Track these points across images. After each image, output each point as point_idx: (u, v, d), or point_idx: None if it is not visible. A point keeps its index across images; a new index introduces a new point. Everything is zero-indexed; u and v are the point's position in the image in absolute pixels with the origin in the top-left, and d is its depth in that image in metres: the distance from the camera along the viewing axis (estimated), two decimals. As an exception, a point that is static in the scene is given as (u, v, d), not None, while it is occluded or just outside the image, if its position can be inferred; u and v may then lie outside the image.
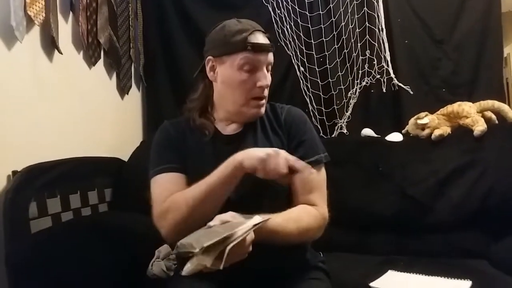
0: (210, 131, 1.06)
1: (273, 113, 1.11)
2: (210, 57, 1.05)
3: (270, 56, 1.03)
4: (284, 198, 1.03)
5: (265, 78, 1.02)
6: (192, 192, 0.93)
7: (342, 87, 2.10)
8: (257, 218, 0.81)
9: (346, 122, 2.09)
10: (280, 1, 2.12)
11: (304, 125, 1.08)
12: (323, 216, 1.01)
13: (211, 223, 0.81)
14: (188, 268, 0.73)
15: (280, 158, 0.89)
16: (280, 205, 0.97)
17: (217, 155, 1.02)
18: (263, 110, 1.06)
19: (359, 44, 2.07)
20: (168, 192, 0.97)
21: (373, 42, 2.05)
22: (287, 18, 2.12)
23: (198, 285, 0.96)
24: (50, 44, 1.54)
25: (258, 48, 0.99)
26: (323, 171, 1.06)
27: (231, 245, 0.73)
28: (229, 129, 1.09)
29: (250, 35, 0.99)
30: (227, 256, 0.73)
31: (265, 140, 1.06)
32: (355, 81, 2.09)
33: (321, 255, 1.16)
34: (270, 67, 1.04)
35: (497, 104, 1.72)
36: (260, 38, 1.01)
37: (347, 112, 2.09)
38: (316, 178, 1.03)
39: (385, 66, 2.03)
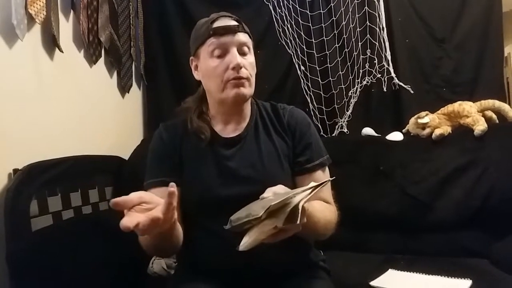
0: (207, 134, 1.02)
1: (275, 114, 1.08)
2: (191, 57, 1.07)
3: (240, 37, 0.99)
4: None
5: (235, 57, 0.97)
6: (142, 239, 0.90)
7: (343, 86, 2.10)
8: (312, 183, 0.77)
9: (347, 121, 2.09)
10: (280, 0, 2.12)
11: (308, 128, 1.07)
12: (337, 213, 1.02)
13: (264, 195, 0.78)
14: (246, 242, 0.70)
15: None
16: None
17: (218, 160, 1.00)
18: (245, 90, 0.99)
19: (359, 43, 2.07)
20: None
21: (373, 41, 2.05)
22: (288, 17, 2.12)
23: (200, 285, 0.97)
24: (51, 43, 1.54)
25: (221, 31, 0.98)
26: (327, 173, 1.06)
27: (304, 200, 0.70)
28: (229, 131, 1.05)
29: (214, 21, 1.00)
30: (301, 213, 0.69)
31: (269, 141, 1.04)
32: (356, 80, 2.09)
33: (322, 253, 1.16)
34: (246, 48, 1.01)
35: (497, 103, 1.72)
36: (224, 22, 1.00)
37: (347, 111, 2.09)
38: (323, 179, 1.02)
39: (386, 65, 2.02)
